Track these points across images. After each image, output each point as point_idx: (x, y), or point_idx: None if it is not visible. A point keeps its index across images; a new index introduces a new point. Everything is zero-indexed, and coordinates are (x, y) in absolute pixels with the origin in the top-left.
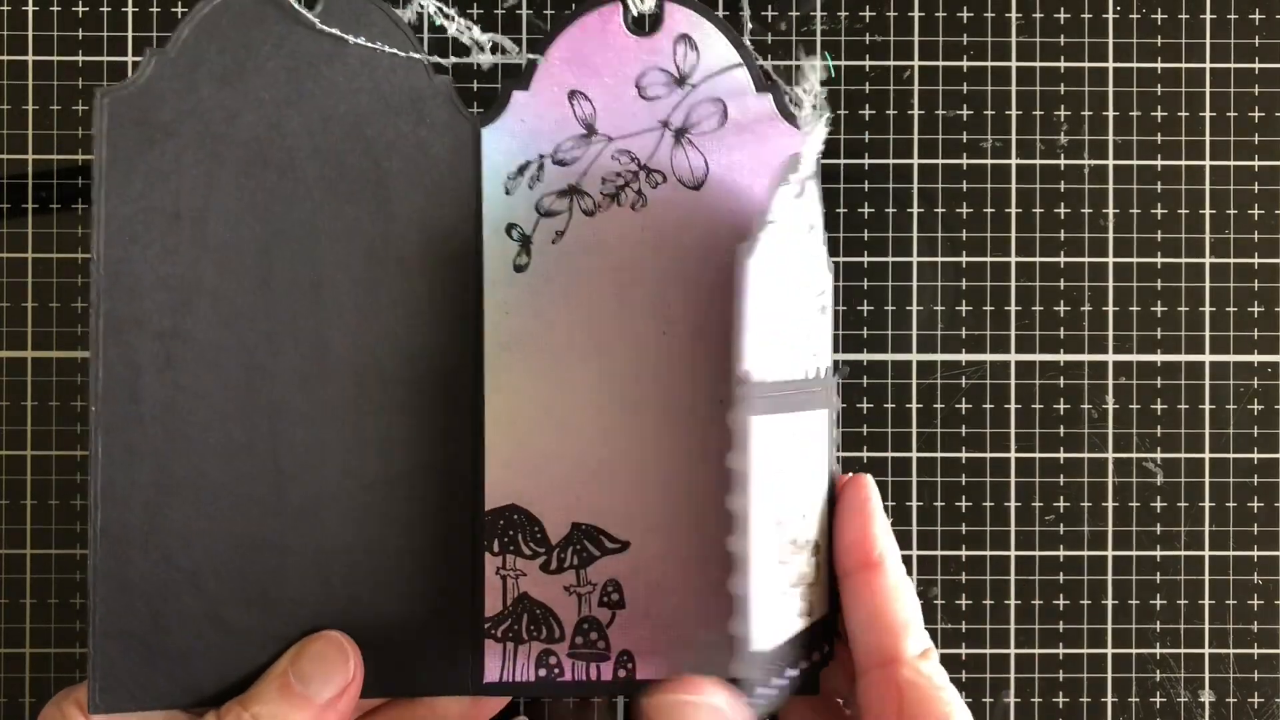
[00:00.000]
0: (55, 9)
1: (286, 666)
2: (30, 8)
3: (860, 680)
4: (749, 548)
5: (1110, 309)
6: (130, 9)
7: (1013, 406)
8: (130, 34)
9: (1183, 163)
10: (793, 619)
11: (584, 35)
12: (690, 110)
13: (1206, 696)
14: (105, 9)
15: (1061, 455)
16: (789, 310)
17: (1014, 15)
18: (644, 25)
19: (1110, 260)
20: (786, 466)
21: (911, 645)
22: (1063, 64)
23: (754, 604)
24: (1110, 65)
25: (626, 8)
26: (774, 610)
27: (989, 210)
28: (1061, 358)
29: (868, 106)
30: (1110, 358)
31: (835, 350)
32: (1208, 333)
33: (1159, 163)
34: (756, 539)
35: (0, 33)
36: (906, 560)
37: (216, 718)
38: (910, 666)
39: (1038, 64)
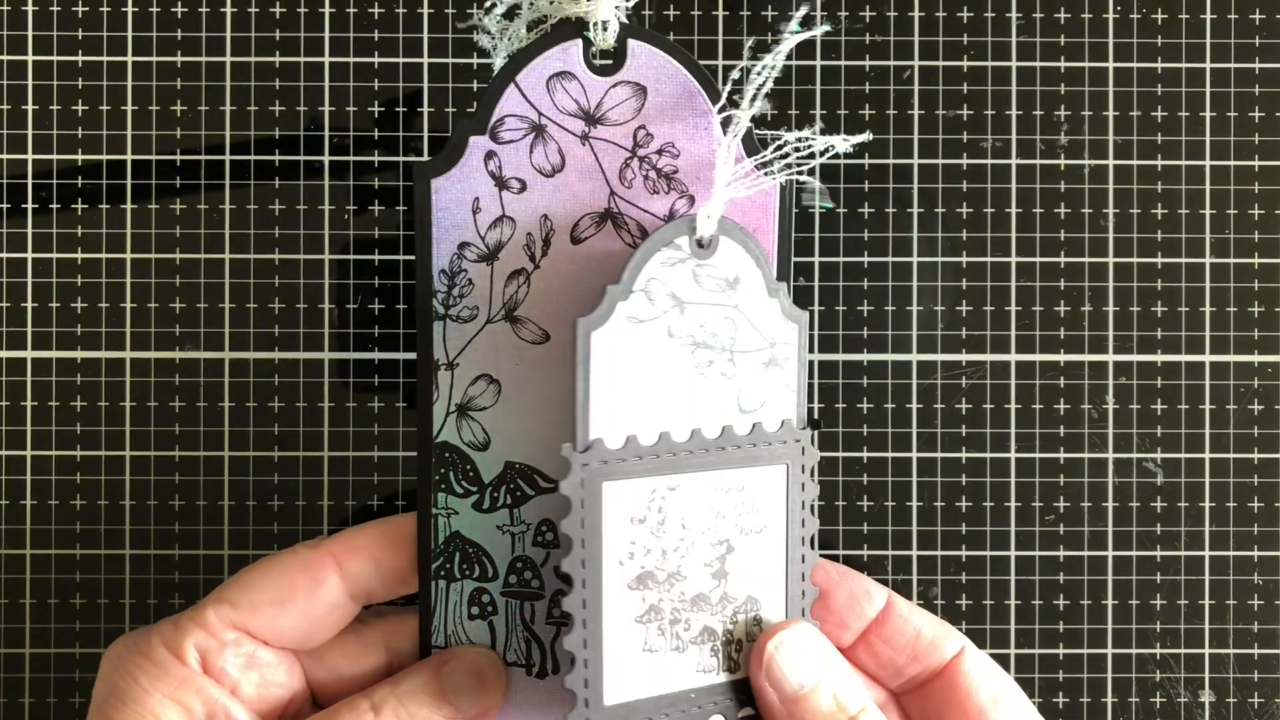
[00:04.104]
0: (55, 9)
1: (440, 669)
2: (30, 8)
3: None
4: (578, 605)
5: (1110, 309)
6: (130, 9)
7: (1013, 406)
8: (130, 34)
9: (1183, 163)
10: (686, 674)
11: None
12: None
13: (1206, 696)
14: (105, 9)
15: (1061, 455)
16: (665, 373)
17: (1014, 15)
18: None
19: (1110, 260)
20: (689, 523)
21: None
22: (1063, 64)
23: (592, 659)
24: (1110, 65)
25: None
26: (637, 664)
27: (989, 210)
28: (1061, 358)
29: (868, 106)
30: (1110, 358)
31: (835, 351)
32: (1208, 333)
33: (1159, 163)
34: (601, 596)
35: (0, 33)
36: (906, 560)
37: (370, 704)
38: None
39: (1038, 64)
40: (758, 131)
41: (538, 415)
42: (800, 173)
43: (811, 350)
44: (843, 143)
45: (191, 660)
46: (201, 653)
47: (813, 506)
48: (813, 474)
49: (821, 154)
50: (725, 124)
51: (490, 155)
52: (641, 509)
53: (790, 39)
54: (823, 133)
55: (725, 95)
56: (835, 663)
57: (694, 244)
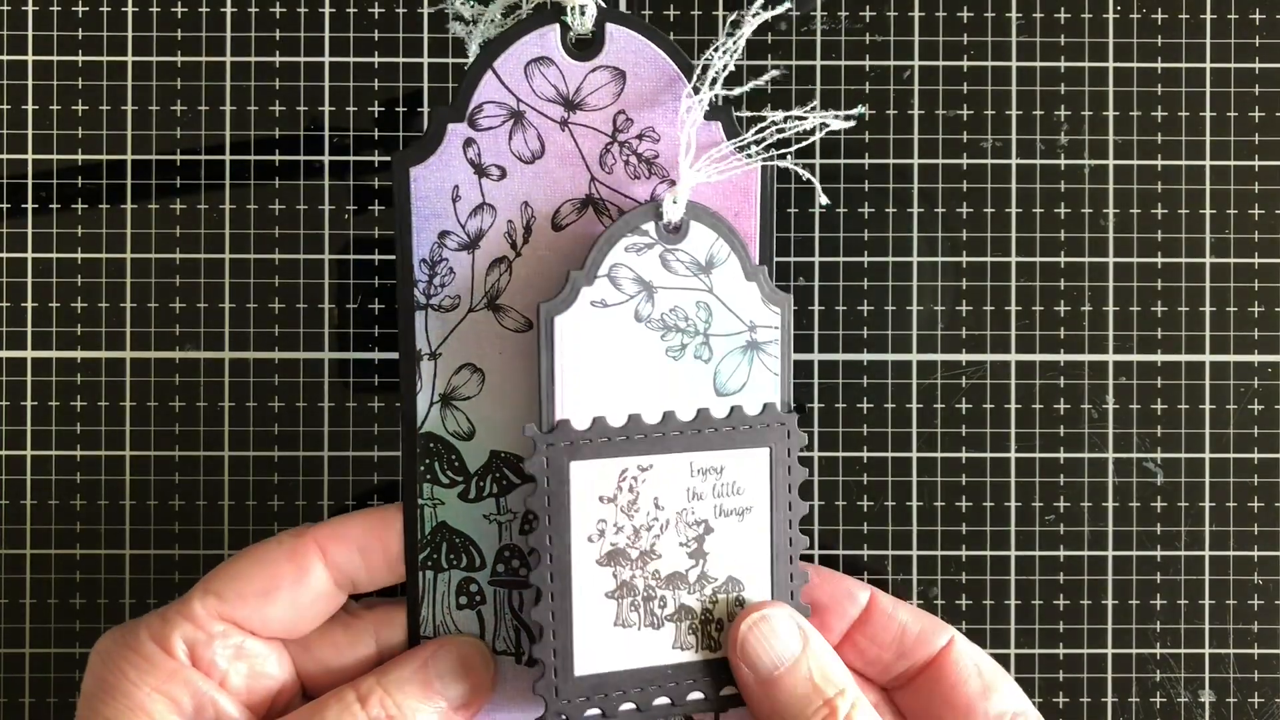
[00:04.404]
0: (55, 9)
1: (427, 659)
2: (30, 8)
3: None
4: (547, 580)
5: (1110, 309)
6: (130, 9)
7: (1013, 406)
8: (130, 34)
9: (1183, 163)
10: (662, 650)
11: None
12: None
13: (1206, 696)
14: (105, 9)
15: (1061, 455)
16: (634, 356)
17: (1014, 15)
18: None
19: (1110, 260)
20: (663, 502)
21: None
22: (1063, 64)
23: (561, 630)
24: (1110, 65)
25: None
26: (609, 638)
27: (989, 210)
28: (1061, 358)
29: (868, 106)
30: (1110, 358)
31: (835, 351)
32: (1208, 333)
33: (1159, 163)
34: (570, 570)
35: (0, 33)
36: (905, 560)
37: (357, 695)
38: None
39: (1038, 64)
40: (750, 114)
41: (522, 404)
42: (784, 155)
43: (811, 350)
44: (836, 120)
45: (179, 653)
46: (189, 645)
47: (801, 490)
48: (800, 458)
49: (821, 128)
50: (708, 110)
51: (469, 143)
52: (611, 488)
53: (751, 21)
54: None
55: (695, 78)
56: (815, 643)
57: (661, 229)
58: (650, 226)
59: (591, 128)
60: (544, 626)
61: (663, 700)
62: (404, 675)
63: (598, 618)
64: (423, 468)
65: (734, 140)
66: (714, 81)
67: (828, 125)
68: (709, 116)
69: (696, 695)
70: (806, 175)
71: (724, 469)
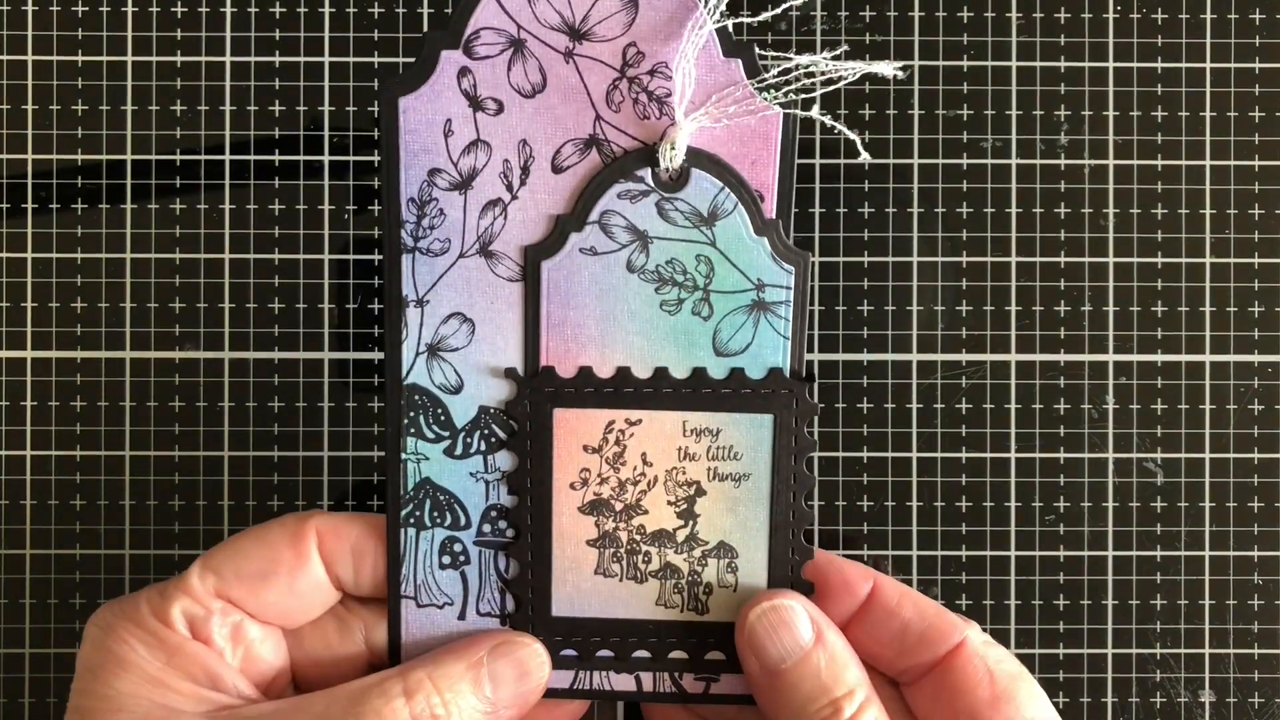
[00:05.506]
0: (55, 9)
1: (483, 657)
2: (30, 8)
3: None
4: (525, 521)
5: (1110, 309)
6: (130, 9)
7: (1013, 406)
8: (130, 34)
9: (1183, 163)
10: (645, 605)
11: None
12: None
13: (1206, 696)
14: (105, 9)
15: (1061, 455)
16: (625, 308)
17: (1014, 15)
18: None
19: (1110, 260)
20: (652, 459)
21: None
22: (1063, 64)
23: (539, 570)
24: (1110, 65)
25: None
26: (589, 585)
27: (989, 210)
28: (1061, 358)
29: (868, 106)
30: (1110, 358)
31: (835, 351)
32: (1208, 333)
33: (1159, 163)
34: (550, 514)
35: (0, 33)
36: (906, 560)
37: (404, 688)
38: None
39: (1038, 64)
40: (774, 55)
41: (514, 359)
42: (809, 103)
43: (811, 350)
44: (888, 67)
45: (180, 627)
46: (189, 620)
47: (808, 462)
48: (808, 428)
49: (846, 77)
50: (727, 45)
51: (464, 72)
52: (596, 438)
53: None
54: (852, 58)
55: (702, 6)
56: (828, 639)
57: (657, 177)
58: (646, 173)
59: (599, 60)
60: (521, 565)
61: (642, 654)
62: (454, 671)
63: (577, 563)
64: (406, 420)
65: (754, 80)
66: (716, 8)
67: (858, 71)
68: (728, 54)
69: (679, 655)
70: (837, 126)
71: (720, 431)
